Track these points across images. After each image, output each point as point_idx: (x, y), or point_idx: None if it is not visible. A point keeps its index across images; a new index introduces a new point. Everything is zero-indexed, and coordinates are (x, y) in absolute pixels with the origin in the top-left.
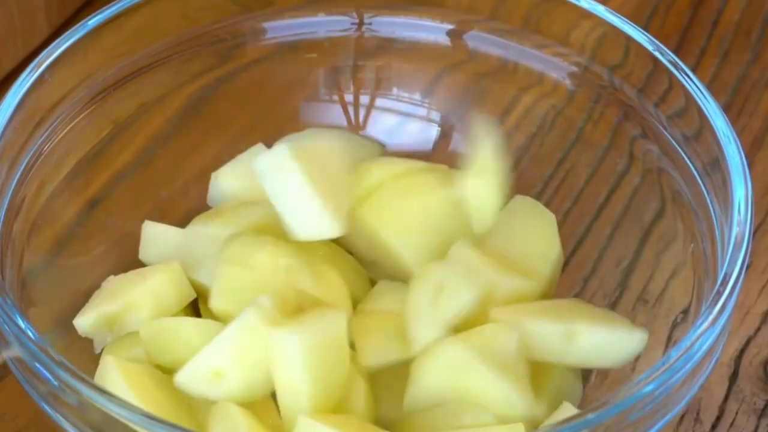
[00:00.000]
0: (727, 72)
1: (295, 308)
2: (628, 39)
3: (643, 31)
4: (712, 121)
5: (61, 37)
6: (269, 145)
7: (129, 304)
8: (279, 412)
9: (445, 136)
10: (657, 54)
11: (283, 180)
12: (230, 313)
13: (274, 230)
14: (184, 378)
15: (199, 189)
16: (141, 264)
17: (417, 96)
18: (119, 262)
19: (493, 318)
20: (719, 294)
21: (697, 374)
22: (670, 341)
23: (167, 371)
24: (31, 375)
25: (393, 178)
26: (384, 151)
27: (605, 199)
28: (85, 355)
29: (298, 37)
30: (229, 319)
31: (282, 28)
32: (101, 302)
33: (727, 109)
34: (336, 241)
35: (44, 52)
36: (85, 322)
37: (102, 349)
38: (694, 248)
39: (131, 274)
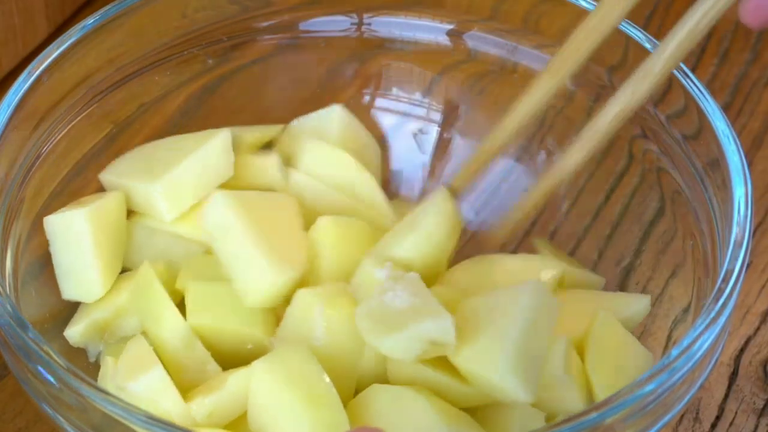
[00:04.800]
0: (726, 72)
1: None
2: (628, 39)
3: (642, 31)
4: (711, 121)
5: (61, 37)
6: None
7: (118, 310)
8: None
9: (445, 136)
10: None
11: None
12: (210, 326)
13: None
14: None
15: None
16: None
17: (417, 96)
18: None
19: None
20: (719, 293)
21: (697, 374)
22: (670, 341)
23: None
24: (32, 376)
25: None
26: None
27: (605, 199)
28: (86, 355)
29: (298, 37)
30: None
31: (282, 28)
32: (90, 311)
33: (726, 109)
34: None
35: (44, 52)
36: (75, 332)
37: (96, 358)
38: (693, 248)
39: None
